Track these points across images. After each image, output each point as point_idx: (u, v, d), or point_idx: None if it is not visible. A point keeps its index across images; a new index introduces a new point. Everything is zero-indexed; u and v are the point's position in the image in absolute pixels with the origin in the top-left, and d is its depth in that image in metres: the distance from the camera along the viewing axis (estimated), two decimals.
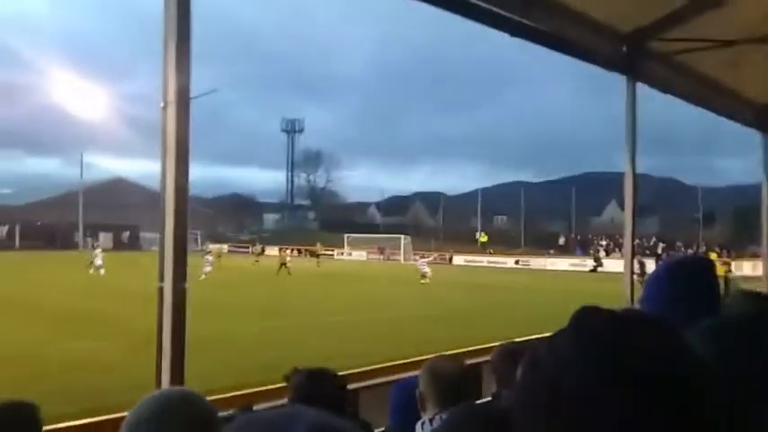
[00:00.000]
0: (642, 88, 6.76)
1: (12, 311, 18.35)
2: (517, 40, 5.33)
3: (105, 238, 72.94)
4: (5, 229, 68.82)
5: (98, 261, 33.95)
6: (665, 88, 7.35)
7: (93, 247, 41.32)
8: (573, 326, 0.75)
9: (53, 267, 37.55)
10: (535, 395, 0.72)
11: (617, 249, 56.63)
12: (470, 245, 70.00)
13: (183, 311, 3.04)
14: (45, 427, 2.32)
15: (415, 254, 58.60)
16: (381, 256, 61.84)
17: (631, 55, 6.49)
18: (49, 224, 71.05)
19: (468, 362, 5.06)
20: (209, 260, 33.42)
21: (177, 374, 2.97)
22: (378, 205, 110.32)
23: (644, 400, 0.66)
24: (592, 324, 0.74)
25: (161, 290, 3.08)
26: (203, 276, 29.78)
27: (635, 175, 6.99)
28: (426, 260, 37.82)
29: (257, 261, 43.54)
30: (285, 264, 37.39)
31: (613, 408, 0.66)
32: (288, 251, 45.45)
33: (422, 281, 32.84)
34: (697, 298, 1.36)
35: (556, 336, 0.76)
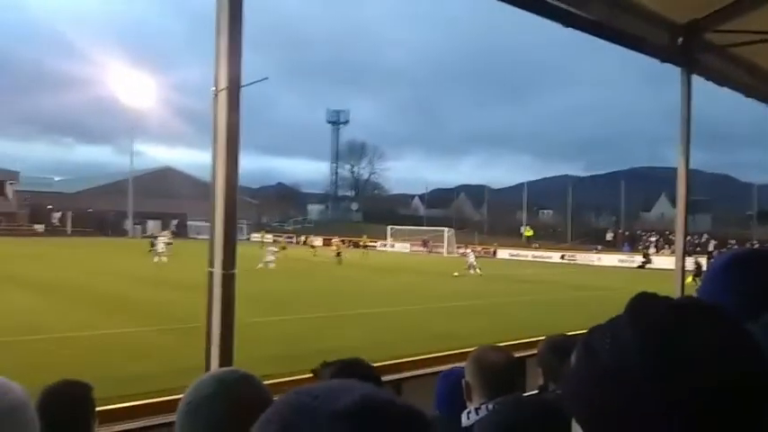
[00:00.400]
0: (697, 81, 6.60)
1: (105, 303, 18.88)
2: (570, 31, 5.22)
3: (154, 225, 74.71)
4: (58, 215, 70.97)
5: (160, 248, 34.68)
6: (720, 81, 7.15)
7: (155, 236, 42.41)
8: (630, 313, 0.73)
9: (118, 254, 38.94)
10: (590, 383, 0.71)
11: (666, 246, 55.34)
12: (515, 239, 69.25)
13: (231, 296, 3.09)
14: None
15: (458, 246, 58.39)
16: (424, 249, 61.65)
17: (687, 46, 6.32)
18: (99, 211, 72.98)
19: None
20: (271, 250, 34.64)
21: (226, 359, 3.02)
22: (421, 197, 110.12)
23: (704, 392, 0.64)
24: (650, 312, 0.72)
25: (210, 275, 3.14)
26: (269, 265, 31.82)
27: (688, 170, 6.82)
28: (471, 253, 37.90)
29: (315, 253, 43.96)
30: (339, 254, 39.44)
31: (672, 399, 0.64)
32: (339, 242, 45.81)
33: (470, 271, 33.31)
34: (757, 291, 1.30)
35: (612, 323, 0.74)
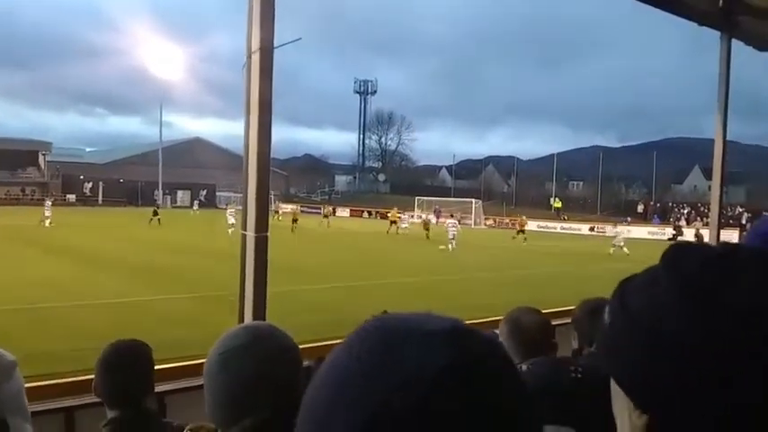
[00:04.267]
0: (737, 46, 6.39)
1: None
2: None
3: (183, 195, 75.67)
4: (89, 185, 72.16)
5: (231, 220, 33.96)
6: (762, 46, 6.92)
7: (227, 206, 43.23)
8: (665, 265, 0.69)
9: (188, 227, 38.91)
10: (625, 340, 0.68)
11: (698, 218, 54.45)
12: (544, 210, 68.78)
13: (264, 258, 3.12)
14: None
15: (486, 218, 58.14)
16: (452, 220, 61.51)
17: (727, 9, 6.12)
18: (130, 181, 74.02)
19: None
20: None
21: (259, 318, 3.07)
22: (449, 168, 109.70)
23: (750, 344, 0.60)
24: (688, 261, 0.67)
25: (244, 237, 3.17)
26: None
27: (725, 140, 6.64)
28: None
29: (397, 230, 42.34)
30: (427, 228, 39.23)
31: (713, 356, 0.61)
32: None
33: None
34: None
35: (646, 274, 0.71)
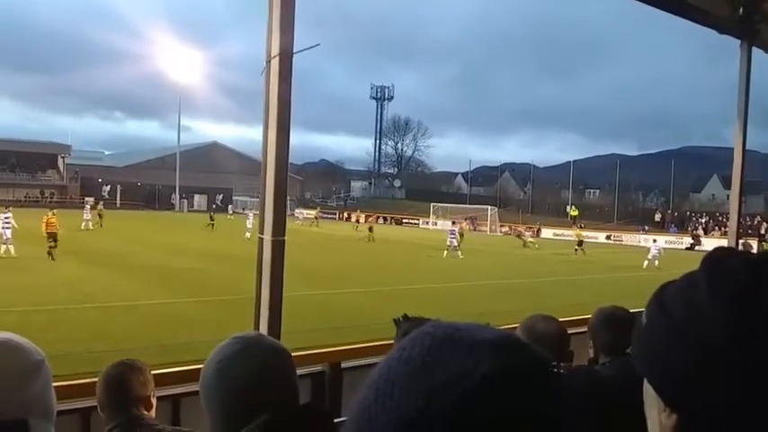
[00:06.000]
0: (757, 55, 6.34)
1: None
2: (627, 1, 5.06)
3: (200, 199, 76.13)
4: (107, 188, 72.73)
5: (249, 223, 34.06)
6: None
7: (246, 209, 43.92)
8: (706, 269, 0.69)
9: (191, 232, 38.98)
10: (661, 343, 0.68)
11: (716, 228, 53.87)
12: (560, 218, 68.36)
13: (281, 262, 3.14)
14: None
15: (501, 225, 57.91)
16: (471, 227, 61.30)
17: (747, 17, 6.07)
18: (147, 185, 74.53)
19: None
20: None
21: (275, 320, 3.08)
22: (465, 175, 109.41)
23: None
24: (727, 268, 0.67)
25: (261, 241, 3.19)
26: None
27: (744, 148, 6.59)
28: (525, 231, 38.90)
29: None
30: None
31: (748, 362, 0.61)
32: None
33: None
34: None
35: (686, 279, 0.71)
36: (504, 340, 0.58)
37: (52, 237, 22.09)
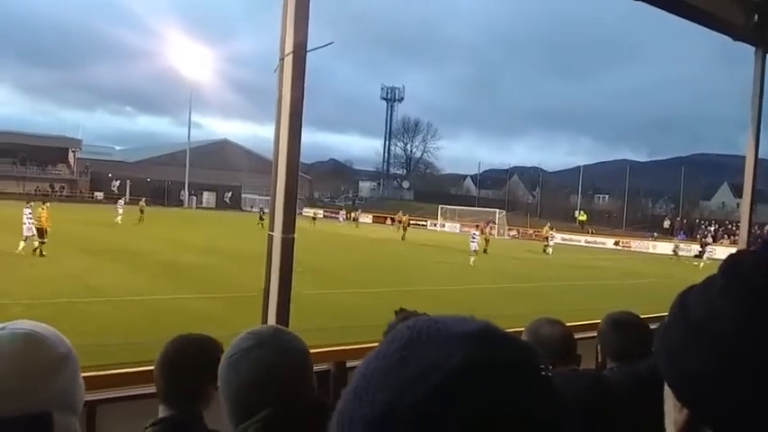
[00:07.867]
0: None
1: None
2: (639, 5, 5.00)
3: (209, 197, 76.39)
4: (117, 183, 73.00)
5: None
6: None
7: (263, 209, 44.53)
8: (723, 270, 0.70)
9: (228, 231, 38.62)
10: (681, 343, 0.69)
11: (726, 236, 53.58)
12: (568, 223, 68.14)
13: (290, 259, 3.14)
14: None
15: (509, 229, 57.79)
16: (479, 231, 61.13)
17: (762, 23, 6.03)
18: (157, 181, 74.81)
19: None
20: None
21: (283, 317, 3.09)
22: (473, 178, 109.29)
23: None
24: (743, 268, 0.68)
25: (270, 238, 3.20)
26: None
27: (757, 156, 6.55)
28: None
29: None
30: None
31: (764, 362, 0.61)
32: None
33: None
34: None
35: (706, 281, 0.71)
36: (483, 333, 0.57)
37: (40, 232, 20.45)
